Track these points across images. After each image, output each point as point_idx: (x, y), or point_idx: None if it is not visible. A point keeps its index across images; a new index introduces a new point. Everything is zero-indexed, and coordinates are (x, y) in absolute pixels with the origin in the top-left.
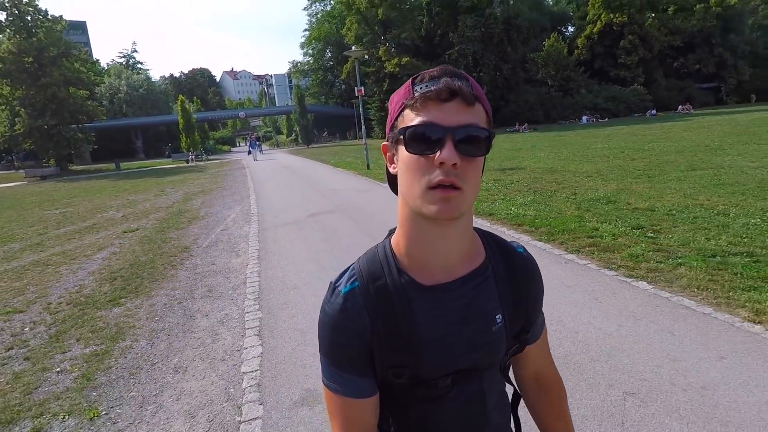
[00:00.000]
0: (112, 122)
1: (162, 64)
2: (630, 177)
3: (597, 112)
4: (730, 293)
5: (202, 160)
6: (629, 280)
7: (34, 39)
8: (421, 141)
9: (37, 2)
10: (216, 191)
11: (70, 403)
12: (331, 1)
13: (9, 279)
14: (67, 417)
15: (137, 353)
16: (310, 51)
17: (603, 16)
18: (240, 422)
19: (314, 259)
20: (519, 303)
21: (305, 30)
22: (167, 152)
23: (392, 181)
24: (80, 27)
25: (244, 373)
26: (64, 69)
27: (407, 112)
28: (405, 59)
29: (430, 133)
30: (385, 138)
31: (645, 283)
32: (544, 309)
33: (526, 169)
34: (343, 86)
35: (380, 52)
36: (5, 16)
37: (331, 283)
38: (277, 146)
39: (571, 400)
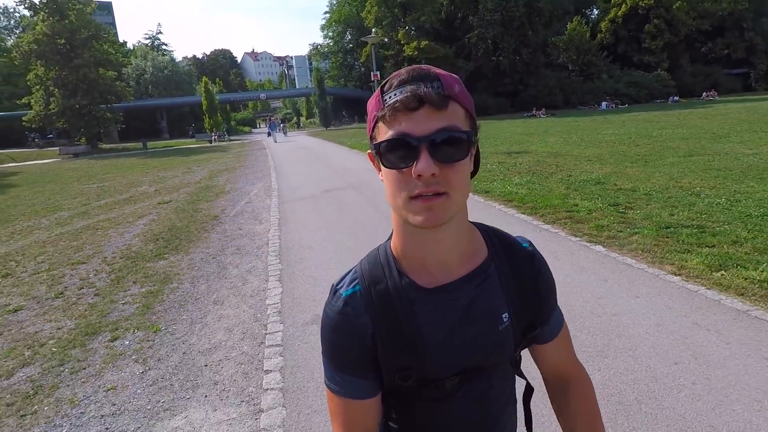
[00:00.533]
0: (138, 103)
1: (184, 45)
2: (628, 161)
3: (617, 97)
4: (666, 254)
5: (224, 141)
6: (589, 244)
7: (66, 21)
8: (396, 154)
9: None
10: (239, 169)
11: (136, 322)
12: None
13: (67, 240)
14: (136, 331)
15: (183, 292)
16: (330, 33)
17: None
18: (266, 334)
19: (326, 227)
20: (526, 299)
21: (326, 12)
22: (191, 132)
23: None
24: (106, 8)
25: (268, 304)
26: (94, 50)
27: (380, 124)
28: (424, 43)
29: (403, 146)
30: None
31: (601, 246)
32: None
33: (531, 153)
34: (363, 69)
35: (399, 35)
36: None
37: (332, 285)
38: (298, 127)
39: None
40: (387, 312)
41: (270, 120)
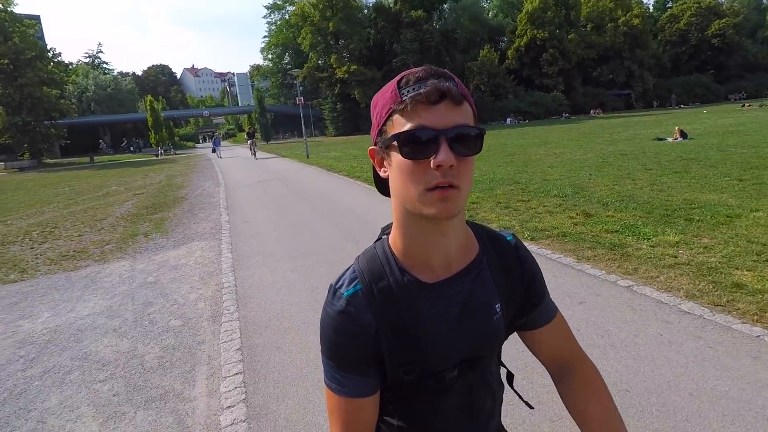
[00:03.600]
0: (81, 119)
1: (120, 58)
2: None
3: (521, 115)
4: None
5: (170, 154)
6: None
7: (10, 43)
8: (416, 145)
9: (12, 8)
10: (192, 173)
11: (153, 233)
12: (288, 12)
13: (80, 213)
14: (155, 235)
15: (175, 222)
16: (270, 56)
17: (528, 31)
18: (222, 225)
19: (256, 197)
20: (514, 289)
21: (265, 36)
22: (131, 148)
23: (379, 184)
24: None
25: (223, 221)
26: (38, 70)
27: (397, 117)
28: (353, 67)
29: (424, 137)
30: (373, 140)
31: None
32: None
33: None
34: (302, 87)
35: (332, 59)
36: None
37: (331, 285)
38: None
39: None
40: (390, 309)
41: (214, 136)
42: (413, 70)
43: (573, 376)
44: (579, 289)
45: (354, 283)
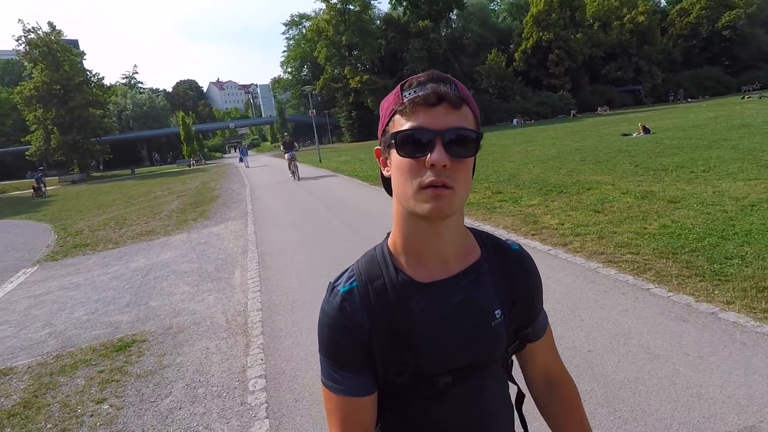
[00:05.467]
0: (122, 135)
1: (150, 75)
2: None
3: (527, 115)
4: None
5: (201, 164)
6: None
7: (62, 71)
8: (412, 144)
9: (62, 39)
10: (222, 179)
11: (199, 218)
12: (304, 28)
13: (139, 210)
14: (201, 219)
15: (212, 212)
16: (289, 69)
17: (534, 34)
18: (248, 211)
19: (275, 193)
20: (517, 299)
21: (284, 51)
22: (156, 160)
23: (386, 184)
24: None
25: (248, 209)
26: (85, 93)
27: (397, 117)
28: (366, 77)
29: (420, 136)
30: (378, 142)
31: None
32: None
33: None
34: (320, 98)
35: (345, 70)
36: (38, 52)
37: (330, 283)
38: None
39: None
40: (383, 308)
41: (240, 146)
42: (418, 75)
43: (557, 394)
44: None
45: (351, 281)
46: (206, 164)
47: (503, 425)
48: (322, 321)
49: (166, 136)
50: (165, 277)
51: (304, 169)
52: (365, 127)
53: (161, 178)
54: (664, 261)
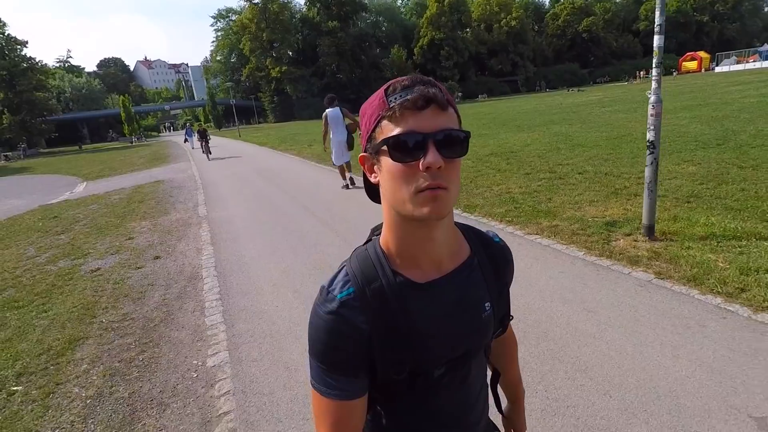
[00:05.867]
0: (66, 116)
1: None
2: None
3: None
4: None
5: (142, 142)
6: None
7: (7, 59)
8: (405, 149)
9: (7, 31)
10: (167, 149)
11: (162, 164)
12: (231, 21)
13: (117, 164)
14: (162, 164)
15: (169, 161)
16: (218, 57)
17: (429, 32)
18: (190, 159)
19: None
20: (502, 289)
21: (212, 41)
22: (111, 137)
23: (370, 190)
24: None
25: (190, 159)
26: (30, 78)
27: (385, 123)
28: (285, 68)
29: (413, 140)
30: (361, 150)
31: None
32: None
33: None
34: (247, 84)
35: (267, 62)
36: None
37: (323, 287)
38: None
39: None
40: (383, 310)
41: (186, 126)
42: (399, 78)
43: (504, 347)
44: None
45: (347, 286)
46: (147, 142)
47: (483, 403)
48: (318, 326)
49: (104, 117)
50: (155, 175)
51: (226, 141)
52: (286, 109)
53: (112, 152)
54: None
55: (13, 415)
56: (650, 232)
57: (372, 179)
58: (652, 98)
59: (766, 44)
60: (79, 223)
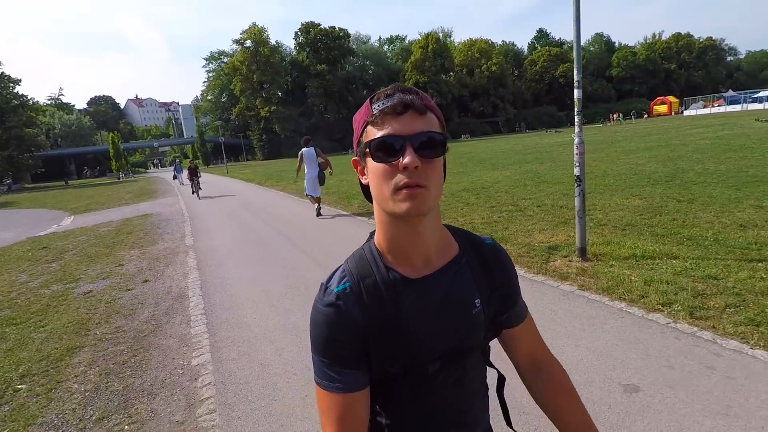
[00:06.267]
0: (53, 152)
1: (51, 88)
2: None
3: None
4: None
5: (130, 178)
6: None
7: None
8: (385, 150)
9: (1, 69)
10: (154, 185)
11: (149, 198)
12: (223, 63)
13: (104, 198)
14: (149, 199)
15: (156, 196)
16: (209, 97)
17: (414, 76)
18: (178, 195)
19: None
20: (494, 289)
21: (204, 81)
22: (87, 173)
23: (365, 191)
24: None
25: (178, 195)
26: (20, 114)
27: (369, 128)
28: (274, 108)
29: (392, 142)
30: (353, 154)
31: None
32: None
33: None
34: (237, 122)
35: (257, 102)
36: None
37: (322, 284)
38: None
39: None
40: (376, 304)
41: (175, 163)
42: (384, 89)
43: (545, 376)
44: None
45: (343, 281)
46: (134, 177)
47: (482, 405)
48: (317, 320)
49: (92, 153)
50: (143, 209)
51: (214, 178)
52: (274, 147)
53: (99, 187)
54: None
55: (21, 407)
56: (583, 253)
57: (363, 181)
58: (576, 140)
59: (730, 90)
60: (68, 252)
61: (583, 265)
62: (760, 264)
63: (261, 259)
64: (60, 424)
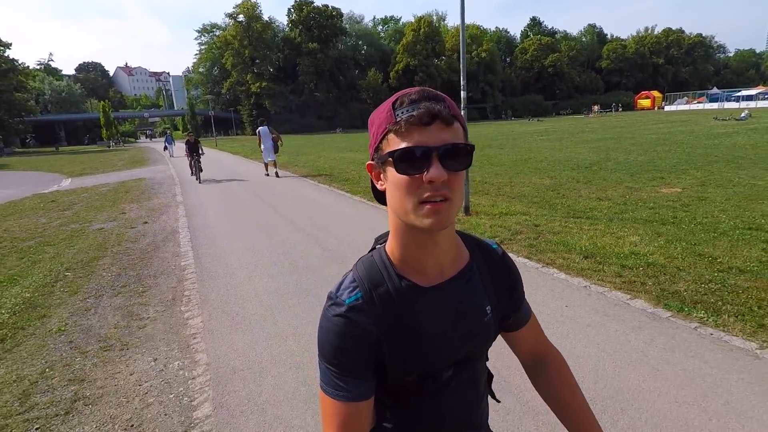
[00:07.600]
0: (43, 117)
1: (41, 53)
2: (304, 149)
3: None
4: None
5: (120, 146)
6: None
7: None
8: (410, 162)
9: None
10: (145, 153)
11: (142, 165)
12: (215, 36)
13: (98, 164)
14: (142, 166)
15: (149, 163)
16: (201, 69)
17: (404, 59)
18: (168, 161)
19: (184, 160)
20: (500, 294)
21: (196, 54)
22: (86, 141)
23: (377, 195)
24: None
25: (168, 161)
26: (11, 79)
27: (392, 136)
28: (264, 84)
29: (417, 154)
30: (370, 156)
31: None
32: None
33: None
34: (227, 96)
35: (248, 77)
36: None
37: (331, 293)
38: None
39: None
40: (390, 313)
41: (167, 134)
42: (407, 91)
43: (546, 367)
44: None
45: (355, 291)
46: (124, 146)
47: (485, 405)
48: (328, 329)
49: (82, 121)
50: (136, 174)
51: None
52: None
53: (91, 154)
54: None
55: (71, 282)
56: (467, 211)
57: (379, 186)
58: None
59: (715, 87)
60: (76, 205)
61: (463, 218)
62: (578, 219)
63: (234, 209)
64: (98, 288)
